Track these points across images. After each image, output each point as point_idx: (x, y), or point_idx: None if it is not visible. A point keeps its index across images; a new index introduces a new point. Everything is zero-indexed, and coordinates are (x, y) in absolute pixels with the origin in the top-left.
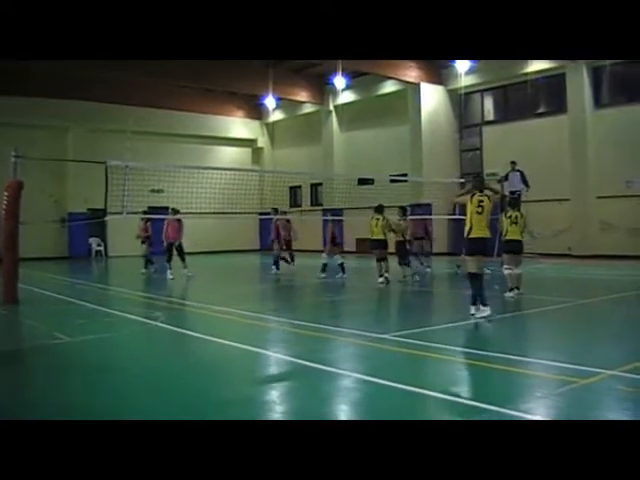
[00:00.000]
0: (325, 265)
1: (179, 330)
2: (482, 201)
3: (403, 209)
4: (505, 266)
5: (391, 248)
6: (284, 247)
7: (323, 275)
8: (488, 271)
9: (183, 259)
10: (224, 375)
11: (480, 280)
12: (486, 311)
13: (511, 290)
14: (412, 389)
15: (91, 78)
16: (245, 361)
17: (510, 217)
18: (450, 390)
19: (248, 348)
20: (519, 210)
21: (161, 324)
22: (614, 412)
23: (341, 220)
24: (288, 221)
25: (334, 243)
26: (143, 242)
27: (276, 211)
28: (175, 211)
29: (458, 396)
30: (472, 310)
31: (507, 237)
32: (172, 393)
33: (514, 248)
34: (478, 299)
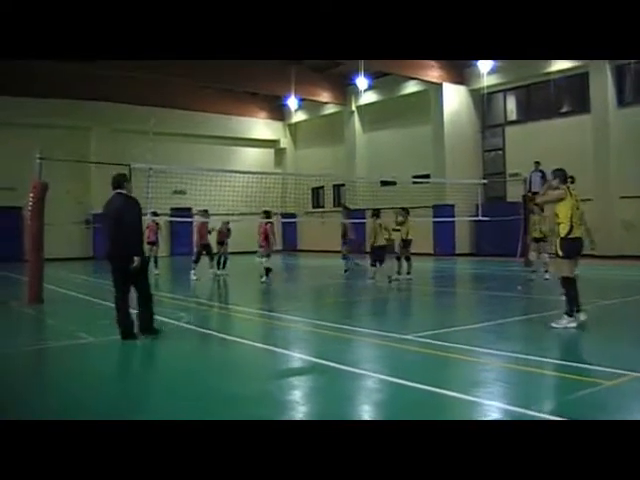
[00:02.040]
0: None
1: (201, 330)
2: (578, 195)
3: (376, 211)
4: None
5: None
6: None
7: (264, 279)
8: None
9: (212, 258)
10: (247, 375)
11: (575, 286)
12: (573, 321)
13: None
14: (436, 390)
15: (113, 79)
16: (267, 361)
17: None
18: (474, 391)
19: (270, 348)
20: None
21: (184, 324)
22: (639, 414)
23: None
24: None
25: (269, 244)
26: (152, 243)
27: (205, 212)
28: (206, 212)
29: (482, 397)
30: (566, 322)
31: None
32: (193, 393)
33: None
34: (573, 308)
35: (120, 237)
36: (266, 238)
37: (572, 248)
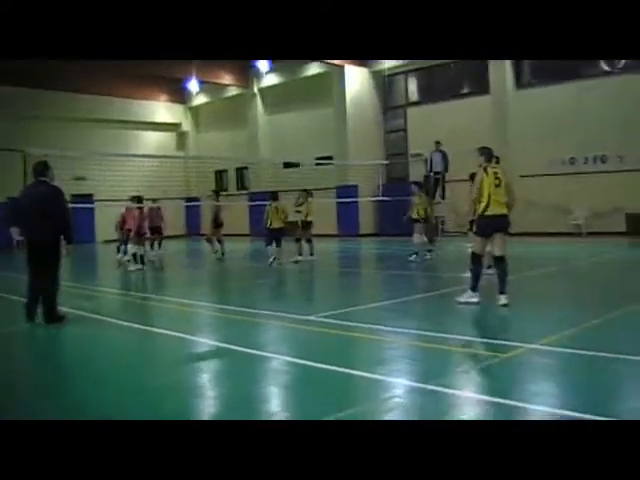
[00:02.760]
0: (135, 255)
1: (105, 319)
2: (497, 172)
3: (273, 194)
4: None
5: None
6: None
7: (137, 267)
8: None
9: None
10: (152, 362)
11: (503, 266)
12: (475, 296)
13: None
14: (340, 369)
15: (7, 62)
16: (173, 348)
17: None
18: (378, 369)
19: (175, 334)
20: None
21: (86, 313)
22: (530, 384)
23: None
24: (159, 209)
25: (139, 233)
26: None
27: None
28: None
29: (386, 375)
30: (468, 296)
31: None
32: (99, 382)
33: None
34: (477, 284)
35: (48, 225)
36: (139, 229)
37: (486, 225)
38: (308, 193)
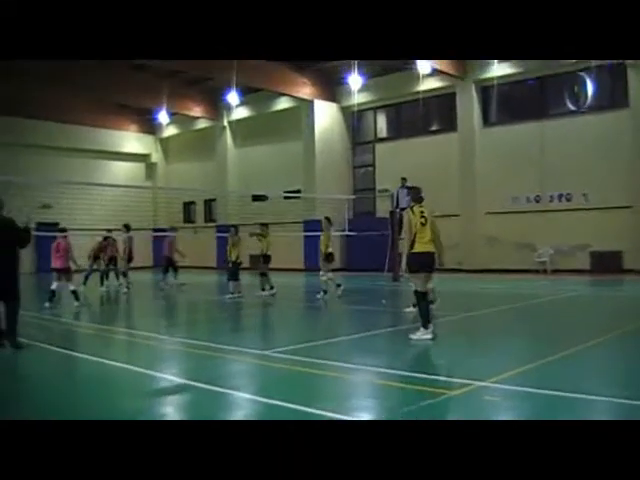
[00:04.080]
0: (53, 292)
1: (57, 350)
2: (423, 212)
3: (235, 227)
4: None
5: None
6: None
7: (48, 305)
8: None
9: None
10: (106, 396)
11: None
12: (428, 333)
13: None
14: (284, 404)
15: None
16: (127, 381)
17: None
18: (322, 405)
19: (130, 368)
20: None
21: (40, 344)
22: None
23: (65, 236)
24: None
25: (63, 269)
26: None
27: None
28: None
29: (333, 411)
30: (421, 334)
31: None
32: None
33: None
34: (426, 320)
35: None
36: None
37: (418, 262)
38: (265, 226)
